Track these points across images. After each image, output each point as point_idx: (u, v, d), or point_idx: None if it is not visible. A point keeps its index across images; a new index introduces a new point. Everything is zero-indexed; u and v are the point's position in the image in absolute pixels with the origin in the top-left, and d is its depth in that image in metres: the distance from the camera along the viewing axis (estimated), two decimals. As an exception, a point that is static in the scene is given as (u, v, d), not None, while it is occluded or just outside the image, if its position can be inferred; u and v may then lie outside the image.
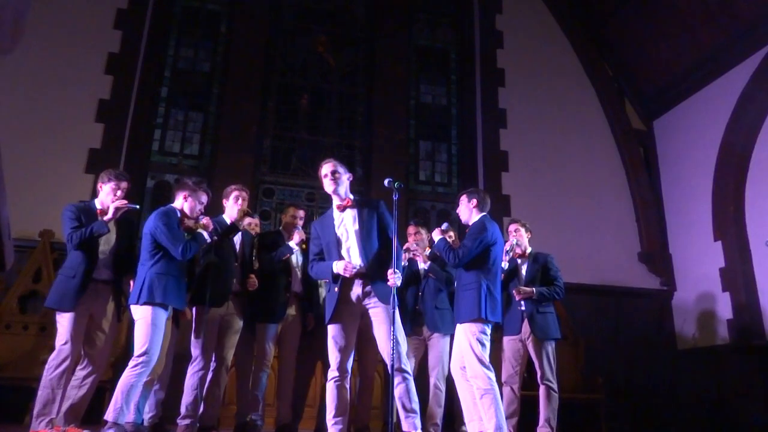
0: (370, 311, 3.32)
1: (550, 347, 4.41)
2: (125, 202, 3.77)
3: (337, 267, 3.28)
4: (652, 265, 7.50)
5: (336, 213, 3.48)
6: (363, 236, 3.36)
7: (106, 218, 3.71)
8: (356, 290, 3.32)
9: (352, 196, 3.53)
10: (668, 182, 7.82)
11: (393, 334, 3.12)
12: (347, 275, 3.26)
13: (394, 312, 3.16)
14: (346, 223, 3.44)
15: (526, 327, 4.47)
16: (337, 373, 3.29)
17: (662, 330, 7.27)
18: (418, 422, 3.15)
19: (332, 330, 3.35)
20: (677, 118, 7.76)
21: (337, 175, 3.45)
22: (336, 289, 3.30)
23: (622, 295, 7.23)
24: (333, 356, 3.33)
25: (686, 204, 7.44)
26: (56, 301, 3.65)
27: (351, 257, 3.38)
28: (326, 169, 3.47)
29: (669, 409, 6.82)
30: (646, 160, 8.00)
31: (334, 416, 3.23)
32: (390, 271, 3.23)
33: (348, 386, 3.35)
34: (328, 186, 3.46)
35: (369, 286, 3.31)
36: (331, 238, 3.42)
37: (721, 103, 6.95)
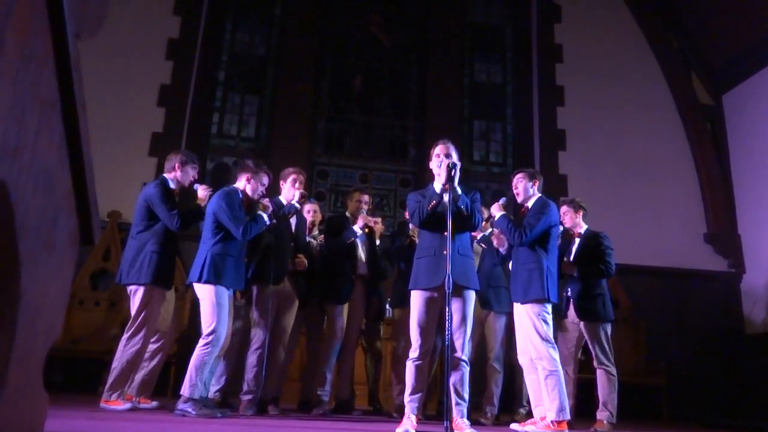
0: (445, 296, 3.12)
1: (603, 330, 4.19)
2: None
3: None
4: (719, 246, 7.19)
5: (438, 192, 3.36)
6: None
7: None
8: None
9: None
10: (738, 159, 7.43)
11: (449, 325, 2.96)
12: None
13: (449, 300, 2.96)
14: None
15: (573, 310, 4.32)
16: (418, 354, 3.22)
17: (729, 314, 6.97)
18: (464, 411, 3.18)
19: (421, 306, 3.23)
20: (748, 91, 7.34)
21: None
22: (445, 252, 3.08)
23: (686, 277, 6.97)
24: (417, 336, 3.22)
25: (757, 182, 7.06)
26: (160, 279, 3.74)
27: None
28: (446, 150, 3.45)
29: (736, 397, 6.55)
30: (714, 136, 7.63)
31: (411, 393, 3.23)
32: None
33: (426, 367, 3.30)
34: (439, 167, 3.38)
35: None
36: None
37: (798, 74, 6.54)
